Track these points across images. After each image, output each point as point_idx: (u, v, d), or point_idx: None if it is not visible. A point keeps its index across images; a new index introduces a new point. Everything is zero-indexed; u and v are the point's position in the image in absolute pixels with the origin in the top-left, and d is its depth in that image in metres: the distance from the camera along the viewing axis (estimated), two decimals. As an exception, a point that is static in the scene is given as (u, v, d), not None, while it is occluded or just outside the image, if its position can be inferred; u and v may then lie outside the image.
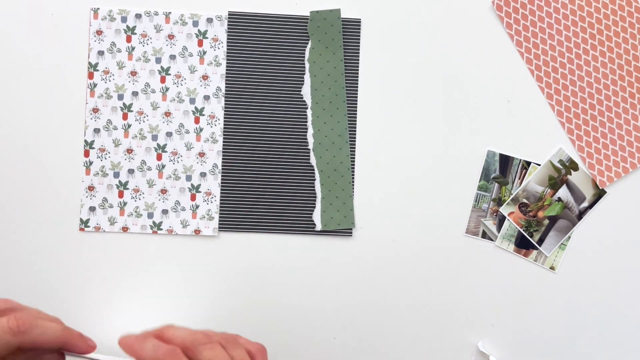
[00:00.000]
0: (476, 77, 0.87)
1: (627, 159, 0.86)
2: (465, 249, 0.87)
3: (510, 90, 0.87)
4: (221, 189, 0.87)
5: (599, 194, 0.87)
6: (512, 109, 0.87)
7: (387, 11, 0.88)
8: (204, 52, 0.87)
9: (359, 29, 0.87)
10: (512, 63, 0.87)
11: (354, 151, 0.87)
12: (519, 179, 0.87)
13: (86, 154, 0.87)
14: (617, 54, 0.86)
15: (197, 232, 0.87)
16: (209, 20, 0.87)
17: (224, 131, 0.87)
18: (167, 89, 0.87)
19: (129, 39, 0.87)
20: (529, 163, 0.87)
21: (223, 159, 0.87)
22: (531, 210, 0.87)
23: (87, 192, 0.87)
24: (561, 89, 0.86)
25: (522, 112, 0.87)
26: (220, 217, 0.87)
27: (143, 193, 0.87)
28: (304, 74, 0.87)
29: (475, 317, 0.86)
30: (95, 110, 0.87)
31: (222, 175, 0.87)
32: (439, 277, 0.85)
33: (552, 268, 0.87)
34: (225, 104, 0.87)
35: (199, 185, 0.87)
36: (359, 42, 0.87)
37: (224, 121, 0.87)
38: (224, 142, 0.87)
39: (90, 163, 0.87)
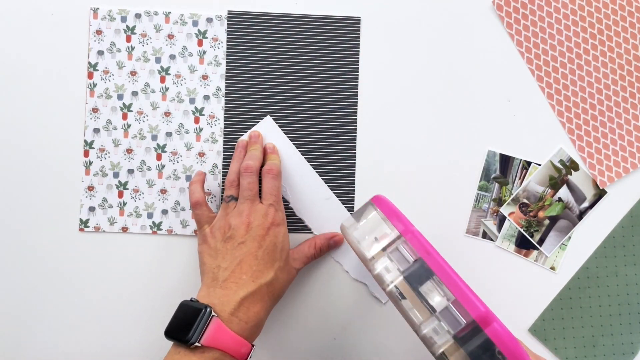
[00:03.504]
0: (476, 77, 0.87)
1: (627, 159, 0.86)
2: (465, 249, 0.87)
3: (510, 90, 0.87)
4: (221, 189, 0.87)
5: (600, 194, 0.87)
6: (513, 109, 0.87)
7: (387, 10, 0.88)
8: (204, 52, 0.87)
9: (359, 27, 0.87)
10: (512, 63, 0.87)
11: (355, 150, 0.87)
12: (520, 179, 0.87)
13: (86, 154, 0.87)
14: (618, 54, 0.86)
15: (197, 232, 0.86)
16: (209, 20, 0.87)
17: (224, 131, 0.87)
18: (166, 89, 0.87)
19: (128, 39, 0.87)
20: (529, 163, 0.87)
21: (223, 159, 0.87)
22: (532, 210, 0.87)
23: (86, 192, 0.87)
24: (561, 89, 0.86)
25: (522, 112, 0.87)
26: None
27: (143, 193, 0.87)
28: (303, 72, 0.87)
29: (476, 317, 0.86)
30: (95, 110, 0.87)
31: (222, 175, 0.87)
32: (439, 277, 0.85)
33: (552, 268, 0.86)
34: (225, 103, 0.87)
35: (198, 186, 0.87)
36: (358, 41, 0.87)
37: (224, 121, 0.87)
38: (224, 142, 0.87)
39: (90, 163, 0.87)
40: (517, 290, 0.87)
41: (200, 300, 0.74)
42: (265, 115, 0.87)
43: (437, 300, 0.62)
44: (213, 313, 0.72)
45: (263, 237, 0.77)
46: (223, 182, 0.86)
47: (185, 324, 0.71)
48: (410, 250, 0.65)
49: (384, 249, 0.67)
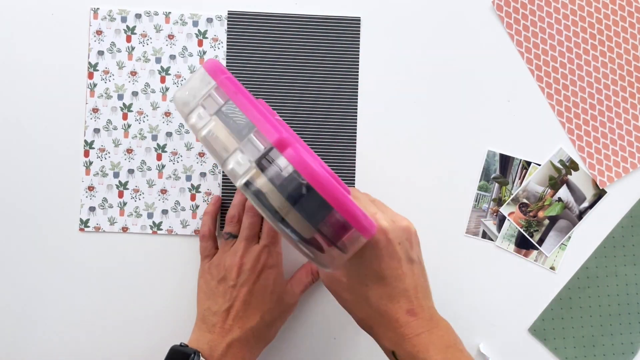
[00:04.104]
0: (476, 77, 0.87)
1: (627, 159, 0.86)
2: (465, 249, 0.87)
3: (510, 90, 0.87)
4: (222, 189, 0.87)
5: (599, 194, 0.87)
6: (512, 109, 0.87)
7: (387, 10, 0.88)
8: (204, 52, 0.87)
9: (359, 27, 0.87)
10: (512, 63, 0.87)
11: (354, 150, 0.87)
12: (519, 179, 0.87)
13: (86, 154, 0.87)
14: (618, 54, 0.86)
15: (197, 232, 0.87)
16: (209, 20, 0.87)
17: (224, 131, 0.87)
18: (167, 89, 0.87)
19: (128, 39, 0.87)
20: (529, 163, 0.87)
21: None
22: (531, 210, 0.87)
23: (87, 192, 0.87)
24: (561, 89, 0.86)
25: (522, 112, 0.87)
26: (220, 216, 0.86)
27: (143, 193, 0.87)
28: (303, 72, 0.87)
29: (476, 317, 0.86)
30: (95, 110, 0.87)
31: (222, 176, 0.87)
32: (439, 277, 0.85)
33: (552, 268, 0.87)
34: (225, 103, 0.87)
35: (198, 186, 0.87)
36: (358, 41, 0.87)
37: (224, 121, 0.87)
38: (224, 142, 0.87)
39: (90, 163, 0.87)
40: (517, 290, 0.87)
41: (190, 345, 0.76)
42: (265, 115, 0.87)
43: (241, 134, 0.62)
44: (202, 358, 0.74)
45: (254, 281, 0.78)
46: (224, 182, 0.86)
47: None
48: (221, 94, 0.65)
49: (199, 100, 0.66)
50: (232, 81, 0.65)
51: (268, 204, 0.59)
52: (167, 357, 0.75)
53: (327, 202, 0.58)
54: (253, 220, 0.81)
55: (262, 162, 0.60)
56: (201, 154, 0.87)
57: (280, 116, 0.86)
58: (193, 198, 0.87)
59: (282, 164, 0.59)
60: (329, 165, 0.86)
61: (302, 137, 0.87)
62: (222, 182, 0.87)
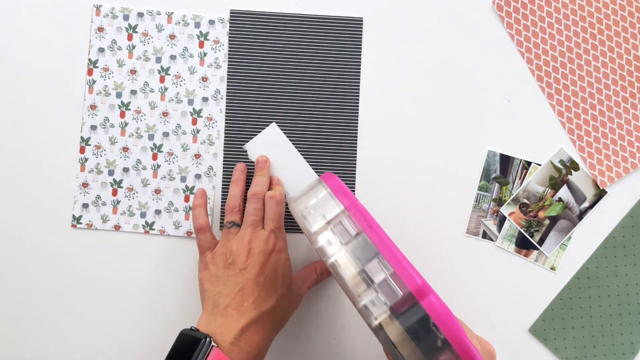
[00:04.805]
0: (476, 77, 0.88)
1: (627, 159, 0.87)
2: (465, 249, 0.87)
3: (510, 90, 0.88)
4: (215, 191, 0.86)
5: (600, 194, 0.87)
6: (513, 109, 0.88)
7: (389, 10, 0.89)
8: (205, 54, 0.87)
9: (361, 27, 0.88)
10: (512, 63, 0.88)
11: (355, 151, 0.87)
12: (520, 179, 0.87)
13: (82, 150, 0.86)
14: (618, 54, 0.87)
15: (189, 234, 0.86)
16: (211, 22, 0.88)
17: (225, 133, 0.87)
18: (165, 89, 0.87)
19: (130, 37, 0.87)
20: (529, 163, 0.87)
21: (223, 161, 0.86)
22: (532, 210, 0.87)
23: (80, 188, 0.86)
24: (562, 89, 0.87)
25: (522, 112, 0.88)
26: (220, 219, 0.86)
27: (137, 192, 0.86)
28: (305, 73, 0.87)
29: (476, 317, 0.86)
30: (93, 107, 0.87)
31: (216, 179, 0.86)
32: (439, 277, 0.84)
33: (552, 268, 0.86)
34: (227, 105, 0.87)
35: (193, 187, 0.87)
36: (361, 41, 0.88)
37: (225, 123, 0.87)
38: (224, 144, 0.87)
39: (86, 160, 0.86)
40: (517, 290, 0.86)
41: (200, 329, 0.73)
42: (266, 116, 0.87)
43: (376, 272, 0.63)
44: (213, 343, 0.70)
45: (264, 263, 0.76)
46: (224, 183, 0.86)
47: (184, 354, 0.70)
48: (353, 224, 0.66)
49: (327, 223, 0.68)
50: (363, 213, 0.67)
51: (391, 342, 0.61)
52: (175, 342, 0.72)
53: (456, 351, 0.59)
54: (258, 205, 0.80)
55: (398, 308, 0.61)
56: (197, 156, 0.86)
57: (281, 117, 0.86)
58: (187, 199, 0.87)
59: (418, 313, 0.60)
60: (330, 165, 0.86)
61: (303, 138, 0.87)
62: (222, 183, 0.86)
